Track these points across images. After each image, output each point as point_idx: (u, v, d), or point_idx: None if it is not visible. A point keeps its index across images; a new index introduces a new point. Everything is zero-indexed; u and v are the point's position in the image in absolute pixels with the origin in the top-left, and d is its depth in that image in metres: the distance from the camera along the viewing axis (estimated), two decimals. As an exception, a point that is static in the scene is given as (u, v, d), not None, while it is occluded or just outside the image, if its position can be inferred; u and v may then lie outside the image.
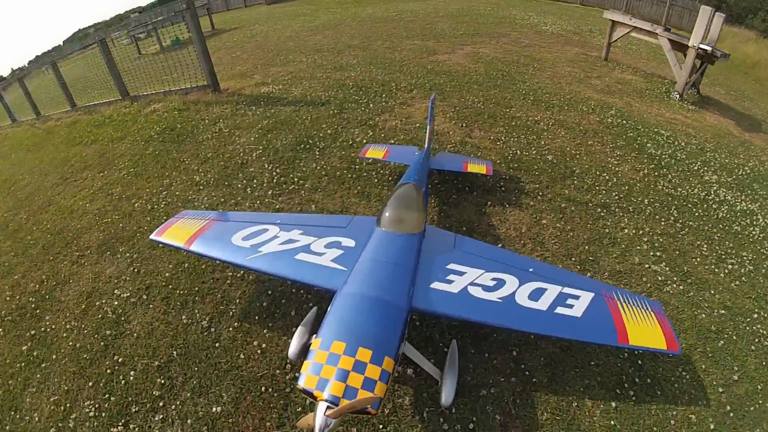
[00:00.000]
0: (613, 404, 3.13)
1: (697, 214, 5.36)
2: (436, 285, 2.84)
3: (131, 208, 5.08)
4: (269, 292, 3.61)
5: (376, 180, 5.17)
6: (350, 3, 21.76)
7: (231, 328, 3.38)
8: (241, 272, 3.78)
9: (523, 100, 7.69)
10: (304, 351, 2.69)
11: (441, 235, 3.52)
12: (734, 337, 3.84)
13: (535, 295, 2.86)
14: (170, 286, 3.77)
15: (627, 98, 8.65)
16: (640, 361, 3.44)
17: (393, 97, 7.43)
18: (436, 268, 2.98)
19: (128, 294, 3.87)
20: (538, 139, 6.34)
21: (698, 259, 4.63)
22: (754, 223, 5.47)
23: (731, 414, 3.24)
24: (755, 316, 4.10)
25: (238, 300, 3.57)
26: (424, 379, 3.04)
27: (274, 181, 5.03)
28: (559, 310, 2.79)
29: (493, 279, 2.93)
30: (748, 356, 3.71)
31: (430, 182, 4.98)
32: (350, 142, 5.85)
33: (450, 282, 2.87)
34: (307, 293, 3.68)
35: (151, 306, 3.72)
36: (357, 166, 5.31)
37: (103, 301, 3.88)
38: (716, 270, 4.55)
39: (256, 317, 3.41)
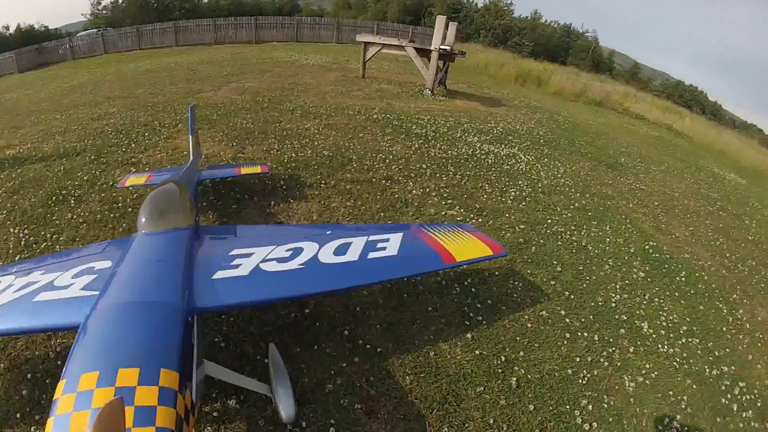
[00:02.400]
0: (469, 335, 3.03)
1: (471, 165, 6.04)
2: (220, 274, 2.34)
3: None
4: (29, 377, 2.82)
5: None
6: (112, 62, 20.30)
7: None
8: None
9: (292, 114, 7.79)
10: None
11: (219, 229, 3.16)
12: (541, 241, 4.34)
13: (341, 250, 2.55)
14: None
15: (387, 100, 9.59)
16: (473, 289, 3.45)
17: (157, 134, 6.94)
18: (216, 259, 2.50)
19: None
20: (312, 141, 6.43)
21: (485, 197, 5.12)
22: (519, 161, 6.51)
23: (571, 297, 3.61)
24: (549, 221, 4.76)
25: None
26: (253, 403, 2.46)
27: (23, 243, 4.21)
28: (372, 254, 2.53)
29: (288, 250, 2.54)
30: (559, 251, 4.24)
31: (204, 199, 4.75)
32: (111, 183, 5.23)
33: (237, 266, 2.40)
34: None
35: None
36: (120, 205, 4.74)
37: None
38: (503, 199, 5.11)
39: (18, 414, 2.59)
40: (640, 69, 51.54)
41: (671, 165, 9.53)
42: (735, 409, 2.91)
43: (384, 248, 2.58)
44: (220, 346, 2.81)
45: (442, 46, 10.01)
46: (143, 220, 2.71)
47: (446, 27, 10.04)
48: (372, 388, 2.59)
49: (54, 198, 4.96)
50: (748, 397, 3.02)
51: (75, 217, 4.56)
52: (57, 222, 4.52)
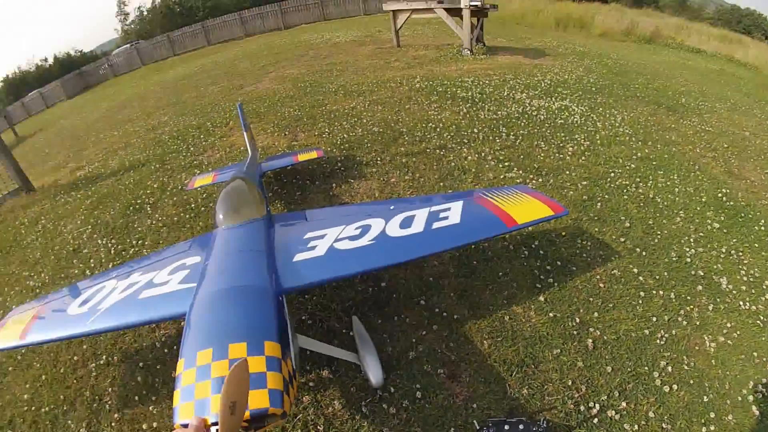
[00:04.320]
0: (541, 298, 3.05)
1: (523, 123, 5.83)
2: (300, 256, 2.53)
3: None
4: (141, 365, 3.14)
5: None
6: (151, 73, 21.22)
7: (113, 423, 2.82)
8: (105, 358, 3.30)
9: (335, 95, 7.90)
10: None
11: (289, 216, 3.32)
12: (606, 196, 4.19)
13: (406, 223, 2.68)
14: (33, 408, 3.13)
15: (426, 67, 9.35)
16: (542, 251, 3.43)
17: (211, 134, 7.29)
18: (293, 243, 2.69)
19: (-12, 439, 2.90)
20: (360, 119, 6.48)
21: (542, 155, 4.96)
22: (572, 113, 6.19)
23: (643, 253, 3.48)
24: (612, 175, 4.55)
25: (110, 389, 3.06)
26: (344, 373, 2.66)
27: (113, 252, 4.58)
28: (436, 225, 2.62)
29: (357, 228, 2.70)
30: (626, 205, 4.08)
31: (270, 190, 4.94)
32: (180, 187, 5.58)
33: (313, 248, 2.58)
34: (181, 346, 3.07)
35: (19, 438, 2.85)
36: (193, 205, 5.02)
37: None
38: (561, 156, 4.93)
39: (136, 398, 2.92)
40: (688, -4, 47.03)
41: (738, 101, 8.64)
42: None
43: (446, 217, 2.67)
44: (307, 324, 3.03)
45: (473, 3, 9.58)
46: (221, 216, 2.92)
47: None
48: (452, 353, 2.70)
49: (131, 208, 5.35)
50: None
51: (154, 222, 4.91)
52: (139, 229, 4.89)
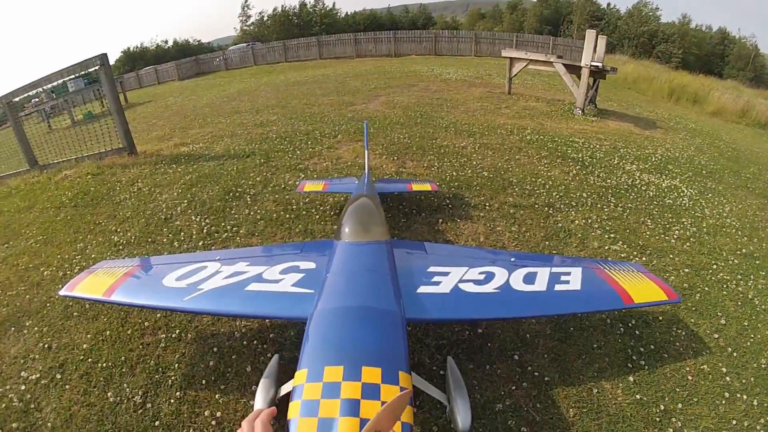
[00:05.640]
0: (631, 378, 3.01)
1: (631, 197, 5.79)
2: (424, 289, 2.52)
3: (39, 278, 4.30)
4: (215, 350, 3.07)
5: (317, 217, 4.93)
6: (263, 73, 22.35)
7: (172, 400, 2.74)
8: (177, 332, 3.24)
9: (446, 131, 8.07)
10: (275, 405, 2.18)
11: (409, 244, 3.28)
12: (706, 289, 4.09)
13: (529, 279, 2.68)
14: (90, 360, 3.10)
15: (537, 120, 9.46)
16: (637, 332, 3.41)
17: (319, 143, 7.45)
18: (416, 273, 2.68)
19: (38, 375, 3.04)
20: (469, 160, 6.62)
21: (647, 233, 4.92)
22: (681, 194, 6.09)
23: (734, 354, 3.37)
24: (714, 267, 4.44)
25: (176, 365, 2.98)
26: (428, 410, 2.64)
27: (204, 231, 4.66)
28: (558, 287, 2.64)
29: (481, 273, 2.70)
30: (724, 301, 3.97)
31: None
32: (282, 186, 5.70)
33: (437, 284, 2.57)
34: (262, 343, 3.15)
35: (67, 387, 2.92)
36: (294, 207, 5.11)
37: (8, 387, 3.01)
38: (666, 238, 4.87)
39: (203, 381, 2.84)
40: (813, 78, 43.23)
41: None
42: None
43: (567, 281, 2.68)
44: None
45: (593, 63, 9.69)
46: (347, 230, 2.93)
47: (596, 41, 9.73)
48: (537, 414, 2.69)
49: (231, 194, 5.46)
50: None
51: (252, 213, 4.97)
52: (235, 216, 4.94)
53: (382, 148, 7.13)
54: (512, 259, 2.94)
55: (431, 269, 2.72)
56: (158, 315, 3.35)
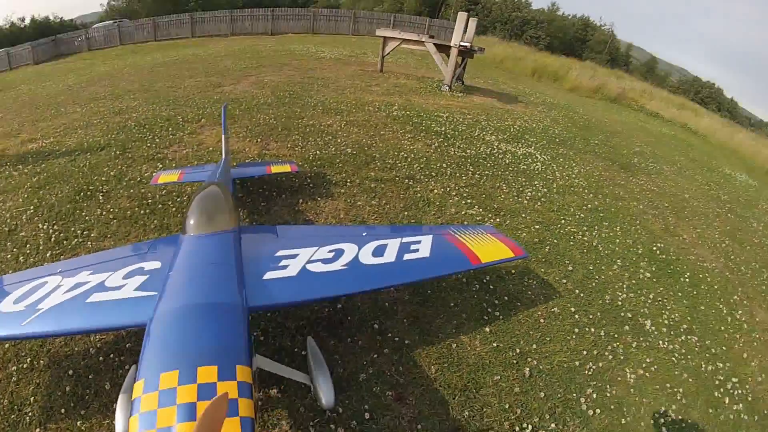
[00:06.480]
0: (487, 329, 3.30)
1: (488, 164, 6.29)
2: (270, 275, 2.48)
3: None
4: (70, 373, 2.82)
5: (174, 209, 4.61)
6: (128, 54, 20.28)
7: None
8: (29, 360, 2.92)
9: (313, 110, 7.97)
10: None
11: (260, 230, 3.27)
12: (555, 241, 4.62)
13: (379, 251, 2.74)
14: None
15: (406, 96, 9.75)
16: (491, 286, 3.73)
17: (180, 129, 6.99)
18: (264, 259, 2.63)
19: None
20: (334, 138, 6.60)
21: (502, 196, 5.40)
22: (535, 160, 6.77)
23: (581, 295, 3.89)
24: (562, 221, 5.04)
25: (32, 398, 2.70)
26: (293, 393, 2.65)
27: (52, 240, 4.17)
28: (407, 256, 2.74)
29: (330, 251, 2.71)
30: (571, 250, 4.52)
31: (236, 194, 4.78)
32: (138, 179, 5.28)
33: (285, 267, 2.54)
34: (119, 355, 2.89)
35: None
36: (150, 201, 4.78)
37: None
38: (519, 199, 5.38)
39: (62, 411, 2.61)
40: (657, 63, 50.85)
41: (684, 165, 9.69)
42: (727, 402, 3.18)
43: (417, 250, 2.79)
44: (259, 341, 2.97)
45: (462, 43, 10.17)
46: (191, 222, 2.78)
47: (467, 23, 10.21)
48: (401, 376, 2.82)
49: (82, 194, 4.92)
50: (740, 392, 3.29)
51: (104, 213, 4.55)
52: (86, 218, 4.50)
53: (246, 131, 6.85)
54: (364, 234, 2.98)
55: (279, 253, 2.69)
56: (6, 346, 2.98)
